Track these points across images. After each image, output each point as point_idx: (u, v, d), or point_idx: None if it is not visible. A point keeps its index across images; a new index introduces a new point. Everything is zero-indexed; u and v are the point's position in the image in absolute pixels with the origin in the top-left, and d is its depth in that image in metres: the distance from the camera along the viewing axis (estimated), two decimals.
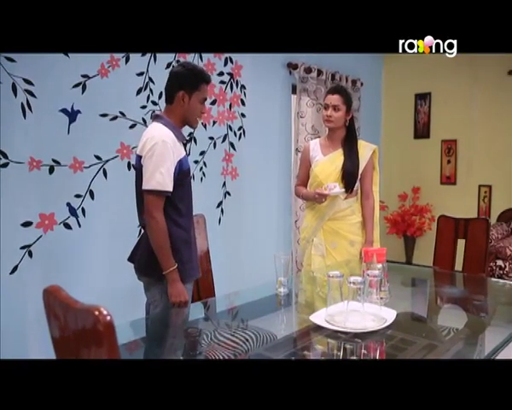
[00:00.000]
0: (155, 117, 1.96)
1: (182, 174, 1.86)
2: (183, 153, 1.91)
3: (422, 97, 4.93)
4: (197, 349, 1.53)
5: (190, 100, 1.87)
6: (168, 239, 1.82)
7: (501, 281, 2.92)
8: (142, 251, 1.92)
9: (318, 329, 1.50)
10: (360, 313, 1.48)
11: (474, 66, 4.42)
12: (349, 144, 2.50)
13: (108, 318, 0.77)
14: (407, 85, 5.01)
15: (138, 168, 1.87)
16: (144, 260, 1.91)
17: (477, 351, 1.53)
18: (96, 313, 0.78)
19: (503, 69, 4.33)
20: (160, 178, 1.77)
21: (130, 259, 2.01)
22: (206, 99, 1.95)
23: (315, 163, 2.54)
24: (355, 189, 2.52)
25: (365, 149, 2.52)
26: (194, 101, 1.88)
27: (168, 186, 1.80)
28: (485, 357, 1.40)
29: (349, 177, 2.46)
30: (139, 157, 1.86)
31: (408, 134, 5.05)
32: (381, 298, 1.65)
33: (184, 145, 1.97)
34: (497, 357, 1.43)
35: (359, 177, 2.50)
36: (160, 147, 1.78)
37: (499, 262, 3.76)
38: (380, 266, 1.72)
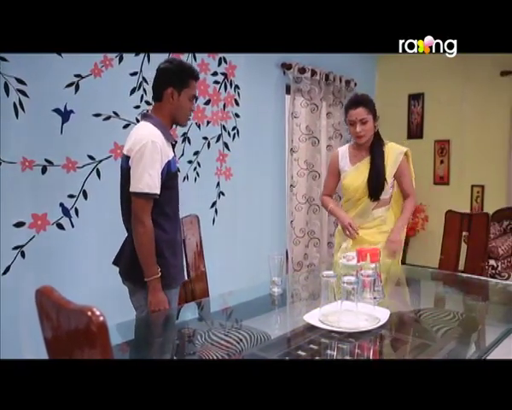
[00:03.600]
0: (144, 116, 1.91)
1: (169, 176, 1.82)
2: (172, 154, 1.86)
3: (416, 98, 4.95)
4: (190, 350, 1.53)
5: (180, 97, 1.83)
6: (154, 246, 1.77)
7: (493, 280, 2.94)
8: (127, 255, 1.87)
9: (312, 329, 1.50)
10: (354, 313, 1.48)
11: (466, 67, 4.44)
12: (376, 152, 2.38)
13: (101, 318, 0.77)
14: (400, 86, 5.03)
15: (125, 169, 1.80)
16: (128, 266, 1.85)
17: (470, 350, 1.54)
18: (89, 313, 0.77)
19: (496, 70, 4.35)
20: (149, 181, 1.72)
21: (115, 262, 1.97)
22: (195, 96, 1.91)
23: (344, 174, 2.46)
24: (386, 197, 2.42)
25: (394, 154, 2.40)
26: (183, 98, 1.84)
27: (157, 188, 1.75)
28: (478, 356, 1.41)
29: (374, 187, 2.37)
30: (127, 157, 1.79)
31: (401, 134, 5.06)
32: (375, 298, 1.66)
33: (173, 146, 1.92)
34: (490, 355, 1.45)
35: (392, 182, 2.41)
36: (150, 148, 1.73)
37: (492, 262, 3.79)
38: (373, 265, 1.73)
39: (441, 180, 4.79)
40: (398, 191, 2.49)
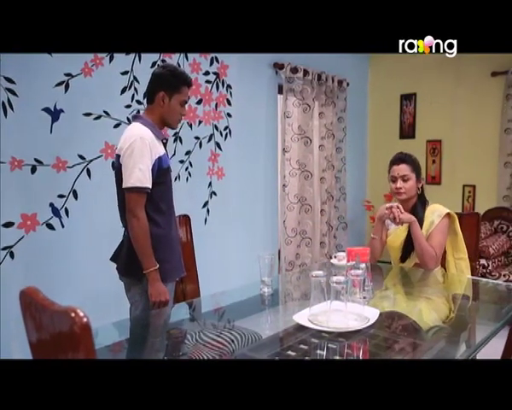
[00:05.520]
0: (134, 117, 1.98)
1: (161, 172, 1.87)
2: (163, 151, 1.91)
3: (408, 98, 4.97)
4: (180, 350, 1.52)
5: (170, 101, 1.90)
6: (149, 238, 1.82)
7: (484, 279, 2.95)
8: (124, 252, 1.92)
9: (302, 328, 1.49)
10: (343, 313, 1.48)
11: (458, 67, 4.47)
12: (416, 216, 2.30)
13: (85, 320, 0.76)
14: (393, 86, 5.05)
15: (117, 167, 1.87)
16: (126, 261, 1.91)
17: (459, 349, 1.55)
18: (73, 314, 0.76)
19: (487, 71, 4.38)
20: (140, 175, 1.78)
21: (113, 259, 2.00)
22: (186, 102, 1.97)
23: (389, 232, 2.45)
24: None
25: (432, 216, 2.32)
26: (174, 102, 1.91)
27: (148, 182, 1.81)
28: (467, 355, 1.42)
29: (405, 252, 2.36)
30: (118, 156, 1.86)
31: (394, 134, 5.09)
32: (364, 297, 1.66)
33: (164, 144, 1.98)
34: (480, 354, 1.45)
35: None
36: (139, 144, 1.79)
37: (482, 261, 3.80)
38: (363, 265, 1.73)
39: (433, 180, 4.81)
40: (450, 251, 2.39)
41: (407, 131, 5.00)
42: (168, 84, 1.89)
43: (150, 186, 1.82)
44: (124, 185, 1.81)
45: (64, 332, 0.78)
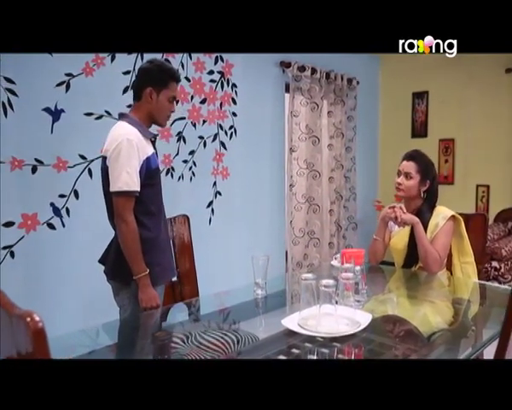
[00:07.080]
0: (121, 115, 1.91)
1: (150, 173, 1.81)
2: (151, 151, 1.85)
3: (420, 96, 4.87)
4: (165, 353, 1.50)
5: (158, 97, 1.83)
6: (139, 243, 1.76)
7: (495, 284, 2.87)
8: (113, 254, 1.87)
9: (294, 333, 1.45)
10: (334, 317, 1.43)
11: (471, 64, 4.36)
12: (421, 218, 2.21)
13: (40, 324, 0.73)
14: (404, 84, 4.96)
15: (104, 169, 1.81)
16: (114, 264, 1.86)
17: (458, 355, 1.49)
18: (28, 319, 0.74)
19: (501, 67, 4.27)
20: (128, 178, 1.72)
21: (102, 261, 1.97)
22: (175, 98, 1.90)
23: (392, 233, 2.38)
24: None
25: (437, 218, 2.23)
26: (162, 98, 1.84)
27: (136, 185, 1.75)
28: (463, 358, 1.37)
29: (409, 256, 2.28)
30: (104, 158, 1.80)
31: (405, 133, 5.00)
32: (358, 301, 1.61)
33: (153, 143, 1.91)
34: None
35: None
36: (125, 146, 1.72)
37: (494, 263, 3.70)
38: (358, 268, 1.67)
39: (446, 180, 4.70)
40: (456, 255, 2.31)
41: (419, 130, 4.91)
42: (156, 79, 1.82)
43: (138, 189, 1.76)
44: (111, 189, 1.75)
45: (21, 337, 0.76)
